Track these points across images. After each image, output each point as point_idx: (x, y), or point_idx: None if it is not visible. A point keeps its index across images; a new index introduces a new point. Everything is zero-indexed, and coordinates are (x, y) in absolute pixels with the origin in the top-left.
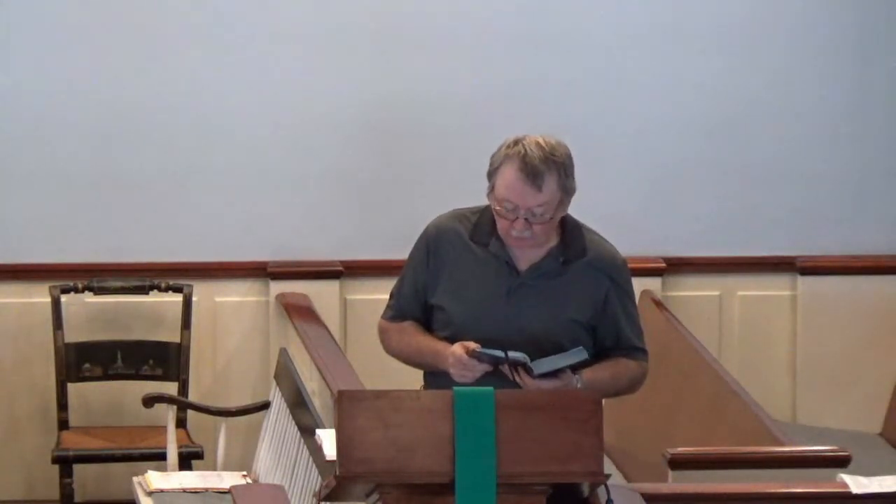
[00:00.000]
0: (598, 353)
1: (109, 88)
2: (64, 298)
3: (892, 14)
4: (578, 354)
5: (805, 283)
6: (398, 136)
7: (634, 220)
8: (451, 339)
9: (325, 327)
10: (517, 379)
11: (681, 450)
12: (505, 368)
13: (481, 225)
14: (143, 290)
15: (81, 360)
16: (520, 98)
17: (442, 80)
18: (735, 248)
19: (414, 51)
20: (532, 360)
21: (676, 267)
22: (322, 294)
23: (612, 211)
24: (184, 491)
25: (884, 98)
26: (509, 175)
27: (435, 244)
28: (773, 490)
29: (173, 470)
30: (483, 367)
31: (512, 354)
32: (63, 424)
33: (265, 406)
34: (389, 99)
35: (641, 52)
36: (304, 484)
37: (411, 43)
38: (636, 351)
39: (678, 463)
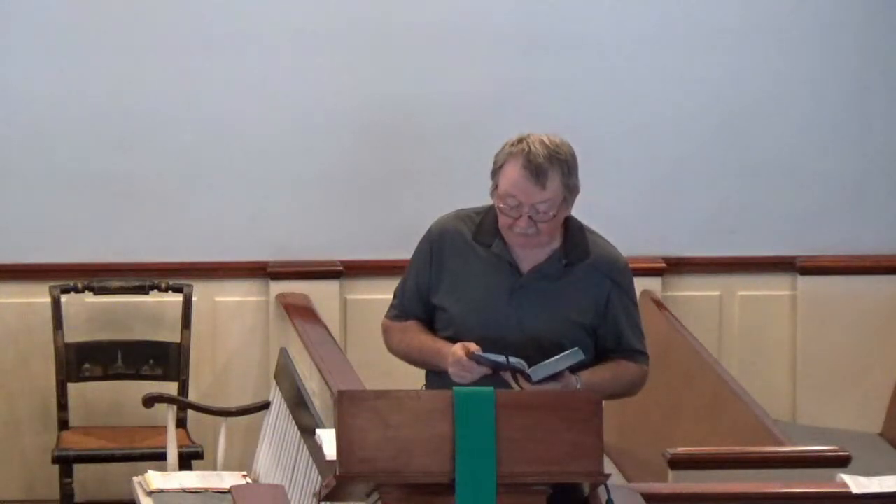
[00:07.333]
0: (599, 356)
1: (109, 88)
2: (64, 298)
3: (893, 14)
4: (575, 356)
5: (805, 283)
6: (398, 136)
7: (634, 220)
8: (453, 339)
9: (325, 327)
10: (516, 386)
11: (681, 450)
12: (507, 375)
13: (484, 225)
14: (143, 290)
15: (81, 360)
16: (520, 98)
17: (442, 80)
18: (735, 248)
19: (414, 51)
20: (531, 363)
21: (676, 267)
22: (322, 294)
23: (612, 211)
24: (184, 491)
25: (884, 98)
26: (513, 172)
27: (438, 244)
28: (773, 490)
29: (173, 470)
30: (481, 370)
31: (511, 360)
32: (63, 424)
33: (265, 406)
34: (389, 99)
35: (642, 52)
36: (304, 484)
37: (411, 43)
38: (637, 353)
39: (678, 463)
